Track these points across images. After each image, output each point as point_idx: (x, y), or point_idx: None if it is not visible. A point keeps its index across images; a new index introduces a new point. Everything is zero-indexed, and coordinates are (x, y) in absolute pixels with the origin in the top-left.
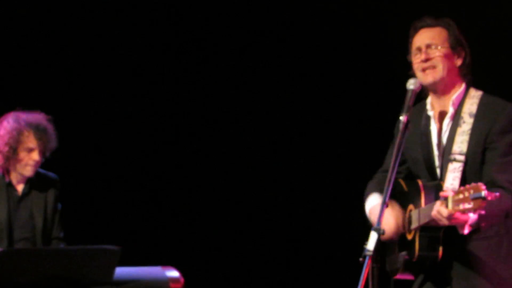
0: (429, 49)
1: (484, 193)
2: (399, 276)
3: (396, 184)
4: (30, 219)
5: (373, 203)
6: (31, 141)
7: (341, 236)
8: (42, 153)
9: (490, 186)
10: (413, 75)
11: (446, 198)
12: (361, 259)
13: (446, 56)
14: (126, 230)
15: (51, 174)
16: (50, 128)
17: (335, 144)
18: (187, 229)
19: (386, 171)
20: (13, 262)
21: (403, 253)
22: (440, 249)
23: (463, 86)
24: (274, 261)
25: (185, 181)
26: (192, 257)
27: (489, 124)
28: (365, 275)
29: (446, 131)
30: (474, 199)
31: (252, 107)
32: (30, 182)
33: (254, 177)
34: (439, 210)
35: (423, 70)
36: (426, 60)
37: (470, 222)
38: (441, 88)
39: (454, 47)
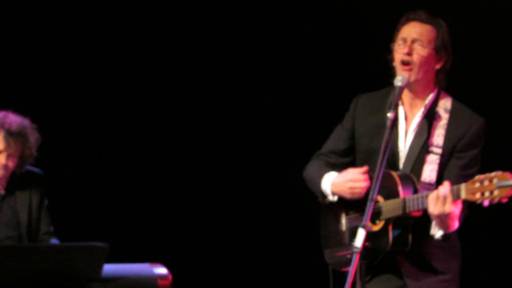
0: (414, 44)
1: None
2: (347, 269)
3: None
4: (14, 217)
5: (332, 178)
6: (1, 146)
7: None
8: (11, 158)
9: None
10: (391, 59)
11: (454, 189)
12: (348, 256)
13: (427, 58)
14: (114, 227)
15: (35, 170)
16: (28, 135)
17: None
18: (176, 226)
19: (327, 154)
20: (0, 259)
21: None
22: (410, 241)
23: (436, 90)
24: (263, 258)
25: (174, 177)
26: (180, 254)
27: (460, 133)
28: (353, 272)
29: (415, 128)
30: (502, 187)
31: (249, 105)
32: (13, 180)
33: (244, 173)
34: (446, 196)
35: (402, 62)
36: (408, 54)
37: (453, 229)
38: (415, 88)
39: (438, 49)
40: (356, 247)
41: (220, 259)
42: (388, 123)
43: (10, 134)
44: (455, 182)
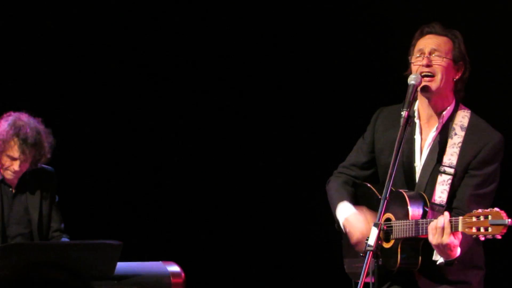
0: (433, 56)
1: (508, 220)
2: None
3: (362, 188)
4: (26, 214)
5: (346, 213)
6: (14, 151)
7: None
8: (25, 164)
9: (461, 213)
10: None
11: (452, 221)
12: (362, 254)
13: (447, 68)
14: (128, 225)
15: (46, 167)
16: (42, 141)
17: (337, 144)
18: (189, 224)
19: (349, 167)
20: (13, 257)
21: (379, 260)
22: (420, 260)
23: (454, 101)
24: (275, 256)
25: (187, 176)
26: (193, 252)
27: (475, 151)
28: (366, 271)
29: (430, 143)
30: (495, 225)
31: (254, 102)
32: (24, 177)
33: (256, 171)
34: (445, 228)
35: (422, 74)
36: (428, 65)
37: (455, 257)
38: (434, 99)
39: (456, 60)
40: (369, 246)
41: (232, 257)
42: (402, 121)
43: (26, 144)
44: (468, 203)
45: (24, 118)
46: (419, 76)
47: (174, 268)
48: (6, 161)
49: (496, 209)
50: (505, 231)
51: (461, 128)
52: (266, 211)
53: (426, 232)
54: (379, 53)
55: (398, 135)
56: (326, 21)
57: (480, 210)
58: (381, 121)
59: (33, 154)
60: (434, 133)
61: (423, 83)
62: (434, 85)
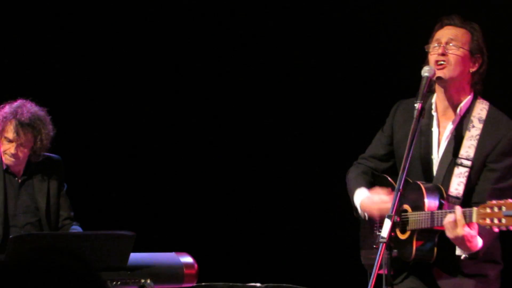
0: (448, 45)
1: None
2: (379, 271)
3: (381, 179)
4: (33, 204)
5: (362, 195)
6: (9, 132)
7: (356, 221)
8: (21, 148)
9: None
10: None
11: (466, 212)
12: (375, 246)
13: (463, 58)
14: (141, 215)
15: (53, 155)
16: (40, 127)
17: (342, 138)
18: (202, 215)
19: (368, 158)
20: (26, 247)
21: (394, 251)
22: (435, 252)
23: (471, 94)
24: (289, 247)
25: (202, 167)
26: (206, 243)
27: (493, 143)
28: (379, 262)
29: (448, 135)
30: (509, 216)
31: (261, 97)
32: (30, 166)
33: (270, 162)
34: (458, 220)
35: (437, 62)
36: (443, 54)
37: (476, 249)
38: (450, 89)
39: (473, 52)
40: (382, 237)
41: (245, 248)
42: (415, 113)
43: (21, 125)
44: (488, 197)
45: (28, 104)
46: (432, 68)
47: (187, 259)
48: (4, 144)
49: (510, 200)
50: None
51: (479, 120)
52: (280, 202)
53: (441, 223)
54: (395, 46)
55: (412, 127)
56: (338, 16)
57: (494, 201)
58: (400, 114)
59: (30, 139)
60: (452, 126)
61: (439, 73)
62: (447, 73)
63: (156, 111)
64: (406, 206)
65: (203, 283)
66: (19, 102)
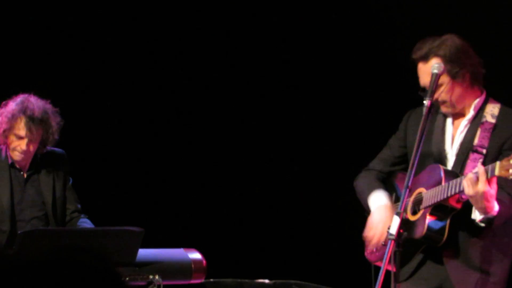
0: (433, 88)
1: None
2: (379, 263)
3: (390, 178)
4: (39, 198)
5: (381, 201)
6: (20, 129)
7: (364, 218)
8: (32, 143)
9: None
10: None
11: (488, 167)
12: (383, 243)
13: (450, 88)
14: (150, 211)
15: (57, 150)
16: (50, 121)
17: (344, 135)
18: (211, 211)
19: (380, 163)
20: (35, 242)
21: (403, 234)
22: (446, 232)
23: (484, 93)
24: (297, 244)
25: (210, 163)
26: (214, 239)
27: (507, 134)
28: (388, 259)
29: (463, 131)
30: None
31: (262, 96)
32: (35, 161)
33: (277, 160)
34: (480, 175)
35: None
36: (439, 101)
37: (492, 211)
38: (459, 107)
39: (455, 73)
40: (391, 234)
41: (253, 244)
42: (425, 110)
43: (32, 121)
44: (510, 182)
45: (32, 98)
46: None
47: (196, 255)
48: (13, 141)
49: None
50: None
51: (492, 116)
52: (289, 199)
53: (454, 191)
54: (396, 47)
55: (421, 123)
56: (342, 16)
57: None
58: (413, 119)
59: (40, 133)
60: (466, 122)
61: (446, 111)
62: (449, 108)
63: (165, 106)
64: (420, 189)
65: (211, 279)
66: (23, 97)
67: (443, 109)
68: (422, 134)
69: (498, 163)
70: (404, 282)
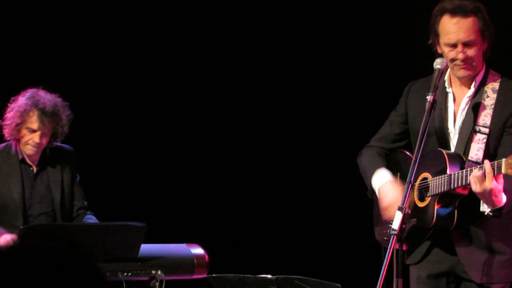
0: (466, 48)
1: None
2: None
3: (393, 155)
4: (48, 193)
5: (382, 180)
6: (33, 122)
7: (366, 213)
8: (45, 136)
9: None
10: (436, 54)
11: (494, 164)
12: (385, 238)
13: (481, 50)
14: (152, 207)
15: (65, 146)
16: (61, 114)
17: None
18: (213, 207)
19: (380, 140)
20: (36, 238)
21: (413, 220)
22: (456, 216)
23: (484, 66)
24: (300, 240)
25: (213, 158)
26: (217, 235)
27: (510, 109)
28: (390, 254)
29: (464, 108)
30: None
31: (265, 92)
32: (44, 156)
33: (278, 155)
34: (487, 173)
35: (461, 67)
36: (465, 59)
37: (501, 204)
38: (474, 73)
39: (484, 35)
40: (393, 229)
41: (256, 240)
42: (427, 105)
43: (45, 114)
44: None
45: (41, 92)
46: (445, 60)
47: (198, 250)
48: (26, 134)
49: None
50: None
51: (493, 90)
52: (291, 194)
53: (460, 183)
54: (404, 38)
55: (423, 120)
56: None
57: None
58: (413, 93)
59: (52, 126)
60: (467, 98)
61: (463, 73)
62: (473, 72)
63: (166, 100)
64: (425, 174)
65: (213, 275)
66: (32, 92)
67: (461, 72)
68: (425, 130)
69: (504, 160)
70: (416, 266)
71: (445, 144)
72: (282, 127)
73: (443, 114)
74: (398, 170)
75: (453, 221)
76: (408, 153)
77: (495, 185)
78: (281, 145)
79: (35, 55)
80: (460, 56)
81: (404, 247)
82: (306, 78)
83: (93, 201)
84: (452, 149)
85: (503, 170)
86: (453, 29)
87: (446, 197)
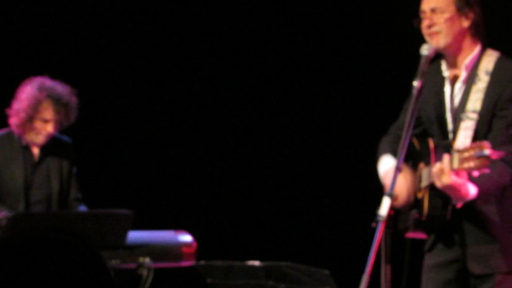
0: (433, 14)
1: (487, 151)
2: (410, 235)
3: (410, 144)
4: (47, 182)
5: (386, 166)
6: (48, 113)
7: (353, 200)
8: (57, 125)
9: None
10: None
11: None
12: (373, 224)
13: (451, 20)
14: (140, 193)
15: (65, 138)
16: (72, 102)
17: (347, 107)
18: (201, 193)
19: (401, 128)
20: (26, 225)
21: (413, 211)
22: (450, 208)
23: (478, 47)
24: (288, 227)
25: (200, 145)
26: (205, 222)
27: (501, 88)
28: (378, 241)
29: (457, 94)
30: (478, 157)
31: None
32: (45, 146)
33: (269, 141)
34: (444, 168)
35: (427, 34)
36: (430, 26)
37: (468, 197)
38: (451, 52)
39: (461, 8)
40: (381, 216)
41: (244, 226)
42: (414, 92)
43: (59, 104)
44: (503, 142)
45: (49, 81)
46: (431, 46)
47: (186, 237)
48: (39, 125)
49: (484, 142)
50: (487, 163)
51: (486, 73)
52: (281, 181)
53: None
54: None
55: (410, 106)
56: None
57: (469, 145)
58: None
59: (65, 114)
60: (460, 84)
61: (431, 41)
62: (441, 41)
63: (156, 93)
64: (421, 165)
65: (202, 262)
66: (41, 81)
67: (429, 40)
68: (412, 117)
69: (456, 155)
70: (428, 253)
71: (444, 131)
72: (265, 115)
73: (442, 100)
74: (411, 158)
75: (446, 211)
76: (415, 141)
77: (454, 180)
78: (268, 131)
79: (31, 47)
80: (426, 22)
81: (424, 236)
82: (305, 78)
83: (81, 187)
84: (450, 137)
85: (455, 165)
86: (424, 0)
87: (436, 188)
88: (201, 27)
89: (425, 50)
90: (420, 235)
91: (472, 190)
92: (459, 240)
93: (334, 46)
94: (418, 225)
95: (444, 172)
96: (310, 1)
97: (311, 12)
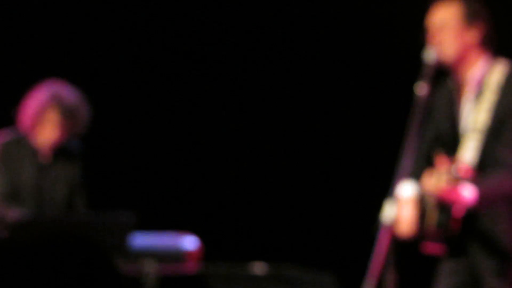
0: (438, 31)
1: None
2: (425, 248)
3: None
4: (53, 188)
5: (406, 193)
6: (52, 118)
7: (360, 202)
8: (65, 132)
9: (498, 164)
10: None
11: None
12: (374, 228)
13: (455, 35)
14: (144, 195)
15: (75, 145)
16: (82, 110)
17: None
18: (206, 194)
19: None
20: (25, 231)
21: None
22: (453, 219)
23: (487, 58)
24: (293, 228)
25: (205, 146)
26: (210, 223)
27: (510, 103)
28: (381, 246)
29: (464, 107)
30: (453, 178)
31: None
32: (55, 152)
33: (275, 143)
34: (429, 183)
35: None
36: (435, 42)
37: (465, 203)
38: (457, 66)
39: (469, 21)
40: (383, 220)
41: (250, 228)
42: (420, 99)
43: (64, 110)
44: (508, 149)
45: (62, 86)
46: (434, 55)
47: (190, 239)
48: (46, 128)
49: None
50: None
51: (495, 85)
52: (286, 183)
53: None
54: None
55: (415, 116)
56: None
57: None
58: (438, 98)
59: (71, 122)
60: (467, 96)
61: (439, 55)
62: (445, 55)
63: (161, 95)
64: None
65: (206, 263)
66: (53, 85)
67: (438, 54)
68: (420, 125)
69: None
70: (444, 259)
71: (455, 144)
72: (267, 115)
73: (454, 114)
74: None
75: (456, 221)
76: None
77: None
78: (274, 133)
79: (36, 49)
80: (431, 38)
81: (437, 248)
82: (305, 78)
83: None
84: (458, 150)
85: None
86: (431, 15)
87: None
88: (206, 30)
89: (429, 54)
90: (434, 248)
91: (467, 193)
92: (472, 254)
93: (338, 46)
94: (429, 237)
95: (428, 183)
96: (310, 1)
97: (311, 12)
